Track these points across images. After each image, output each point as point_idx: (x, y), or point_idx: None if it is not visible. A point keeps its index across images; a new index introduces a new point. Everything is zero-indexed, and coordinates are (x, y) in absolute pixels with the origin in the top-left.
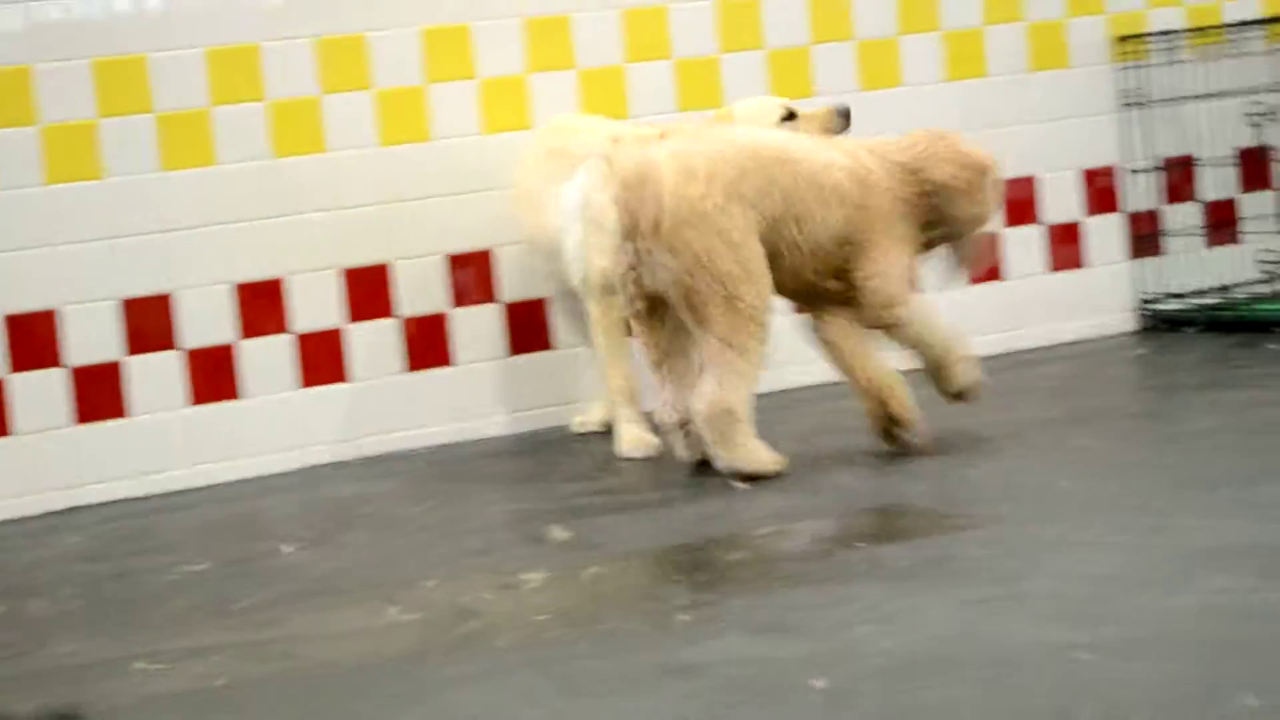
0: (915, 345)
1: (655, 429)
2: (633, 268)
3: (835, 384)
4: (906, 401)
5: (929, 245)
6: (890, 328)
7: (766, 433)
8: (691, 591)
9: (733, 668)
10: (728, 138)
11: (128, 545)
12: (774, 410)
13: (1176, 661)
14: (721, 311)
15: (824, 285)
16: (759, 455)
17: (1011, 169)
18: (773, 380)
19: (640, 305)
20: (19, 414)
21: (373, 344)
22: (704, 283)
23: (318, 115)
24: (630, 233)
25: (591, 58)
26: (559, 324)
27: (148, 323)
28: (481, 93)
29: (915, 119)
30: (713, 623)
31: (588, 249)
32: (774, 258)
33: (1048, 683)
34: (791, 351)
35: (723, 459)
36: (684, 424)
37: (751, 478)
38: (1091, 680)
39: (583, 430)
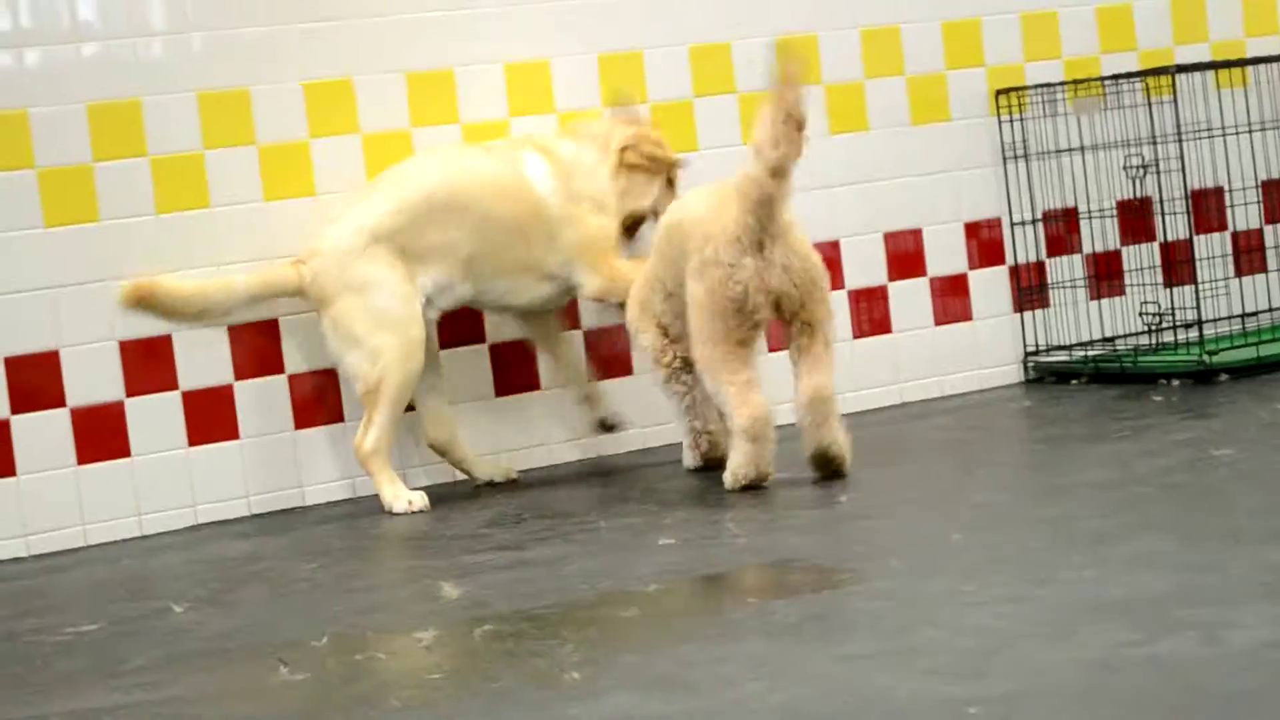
0: None
1: None
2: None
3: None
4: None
5: None
6: None
7: (657, 488)
8: (582, 649)
9: None
10: None
11: (14, 606)
12: (675, 463)
13: (1060, 715)
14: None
15: None
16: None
17: (897, 223)
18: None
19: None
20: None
21: (262, 401)
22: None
23: (201, 169)
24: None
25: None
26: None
27: (34, 380)
28: (365, 147)
29: (803, 172)
30: (603, 680)
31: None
32: None
33: None
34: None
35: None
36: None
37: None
38: None
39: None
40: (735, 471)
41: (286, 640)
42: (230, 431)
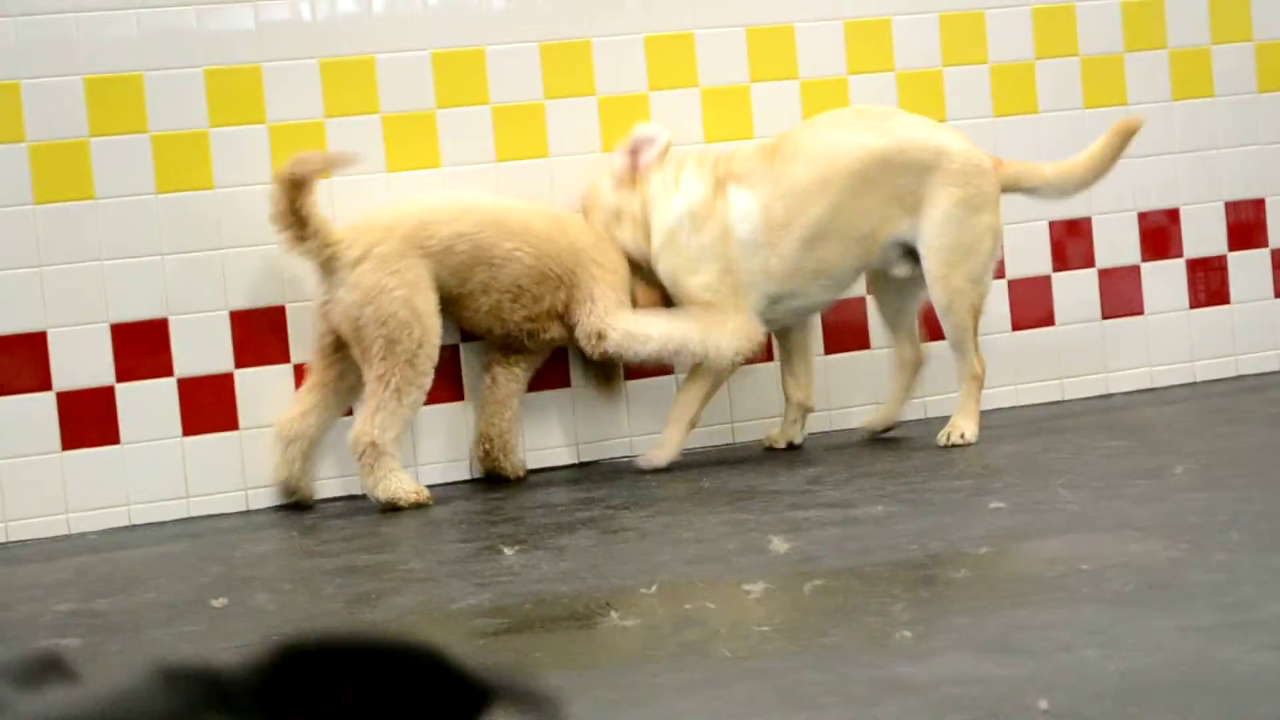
0: None
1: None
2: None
3: (1058, 403)
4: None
5: None
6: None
7: (984, 452)
8: (913, 608)
9: (955, 686)
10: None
11: (349, 542)
12: (1003, 427)
13: None
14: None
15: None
16: (398, 486)
17: (1239, 192)
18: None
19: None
20: (244, 408)
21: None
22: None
23: (433, 127)
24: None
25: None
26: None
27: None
28: (599, 108)
29: (1145, 138)
30: (935, 640)
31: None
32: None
33: None
34: (1016, 370)
35: (367, 487)
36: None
37: (391, 507)
38: None
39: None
40: None
41: (616, 586)
42: (564, 380)
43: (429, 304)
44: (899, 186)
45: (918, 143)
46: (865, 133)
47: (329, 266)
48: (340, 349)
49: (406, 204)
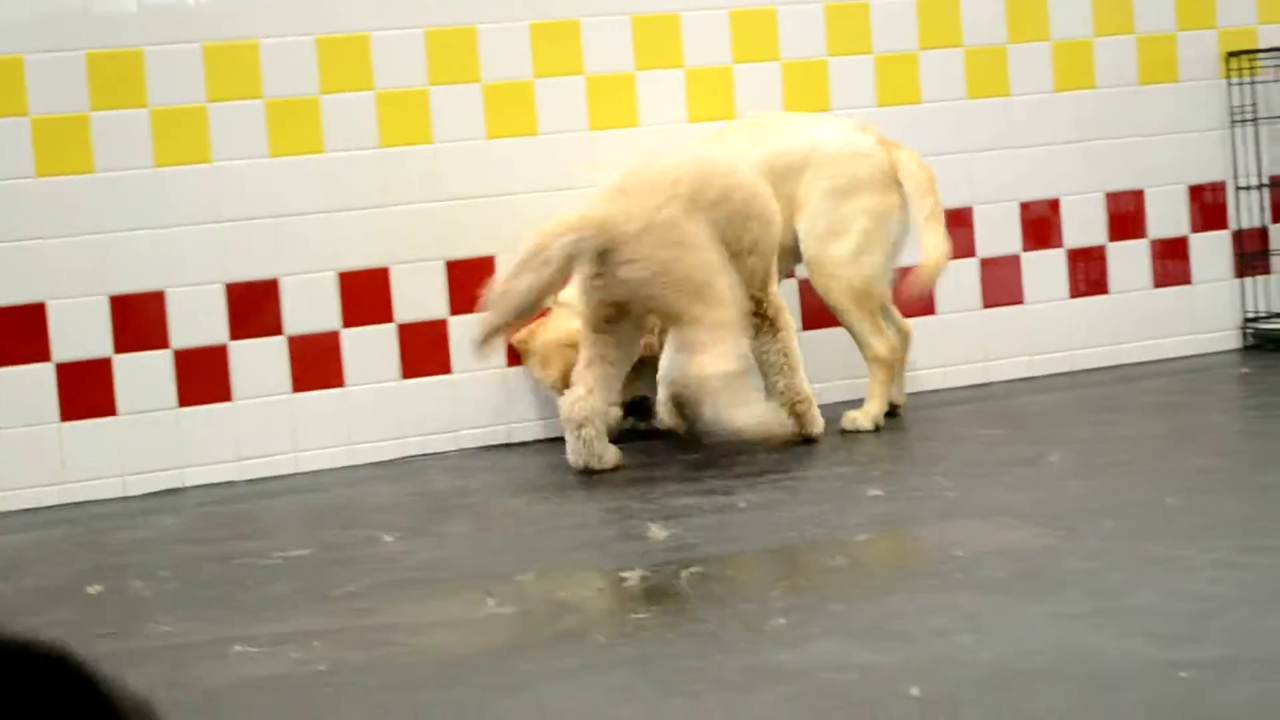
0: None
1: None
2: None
3: (937, 391)
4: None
5: None
6: None
7: (866, 440)
8: (789, 595)
9: (829, 672)
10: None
11: (227, 529)
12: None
13: (1274, 682)
14: (694, 304)
15: None
16: (762, 412)
17: (1119, 183)
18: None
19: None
20: (122, 394)
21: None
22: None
23: (426, 106)
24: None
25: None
26: None
27: (251, 307)
28: (589, 88)
29: (1027, 129)
30: (809, 627)
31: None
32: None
33: (1146, 699)
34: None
35: (738, 419)
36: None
37: (765, 439)
38: (1189, 698)
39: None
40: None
41: (494, 573)
42: (443, 366)
43: (720, 255)
44: (786, 192)
45: (789, 145)
46: (750, 146)
47: (606, 252)
48: (616, 320)
49: (681, 156)
